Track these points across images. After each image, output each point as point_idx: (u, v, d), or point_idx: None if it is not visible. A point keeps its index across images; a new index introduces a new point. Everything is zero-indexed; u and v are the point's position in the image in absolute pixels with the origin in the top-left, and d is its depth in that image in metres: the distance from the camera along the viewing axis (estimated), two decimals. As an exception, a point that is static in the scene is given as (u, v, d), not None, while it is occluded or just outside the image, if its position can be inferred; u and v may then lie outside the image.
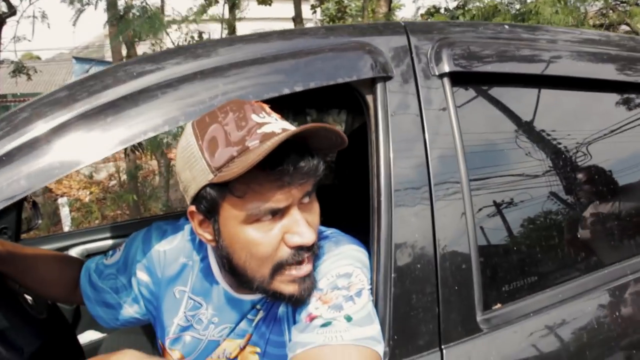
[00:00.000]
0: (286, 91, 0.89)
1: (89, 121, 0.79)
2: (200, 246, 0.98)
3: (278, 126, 0.79)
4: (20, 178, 0.74)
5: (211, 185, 0.78)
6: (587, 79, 1.22)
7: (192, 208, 0.83)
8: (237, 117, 0.78)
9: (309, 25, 8.23)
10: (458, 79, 1.05)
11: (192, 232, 1.00)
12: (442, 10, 6.66)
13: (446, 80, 1.03)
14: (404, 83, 1.01)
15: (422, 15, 7.59)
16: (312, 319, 0.81)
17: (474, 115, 1.08)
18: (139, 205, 4.85)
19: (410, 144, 0.98)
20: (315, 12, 9.41)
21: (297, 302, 0.82)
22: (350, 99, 1.04)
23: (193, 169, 0.79)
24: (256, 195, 0.77)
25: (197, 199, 0.81)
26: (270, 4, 7.69)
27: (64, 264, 1.13)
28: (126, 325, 1.08)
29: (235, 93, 0.86)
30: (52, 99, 0.83)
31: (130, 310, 1.04)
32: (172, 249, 0.99)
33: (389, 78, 0.99)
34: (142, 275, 1.00)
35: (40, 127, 0.78)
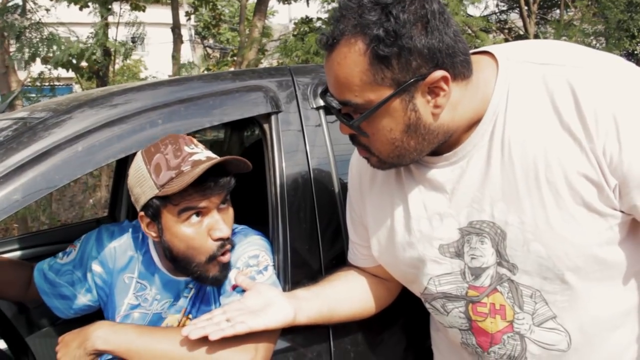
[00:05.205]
0: (207, 125, 1.22)
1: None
2: (142, 242, 1.28)
3: (204, 155, 1.13)
4: None
5: (156, 197, 1.10)
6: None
7: (142, 214, 1.15)
8: (174, 148, 1.11)
9: (184, 31, 8.34)
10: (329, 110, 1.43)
11: (135, 232, 1.30)
12: (315, 20, 7.06)
13: (322, 112, 1.41)
14: (291, 114, 1.37)
15: (295, 24, 7.99)
16: (234, 287, 1.16)
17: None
18: (26, 217, 4.76)
19: (296, 158, 1.33)
20: (189, 18, 9.53)
21: (217, 282, 1.17)
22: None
23: (143, 185, 1.11)
24: (187, 202, 1.10)
25: (146, 207, 1.13)
26: (144, 10, 7.72)
27: (18, 267, 1.36)
28: (79, 313, 1.34)
29: (171, 128, 1.17)
30: None
31: (84, 299, 1.31)
32: (120, 245, 1.29)
33: (280, 111, 1.35)
34: (96, 267, 1.28)
35: None
